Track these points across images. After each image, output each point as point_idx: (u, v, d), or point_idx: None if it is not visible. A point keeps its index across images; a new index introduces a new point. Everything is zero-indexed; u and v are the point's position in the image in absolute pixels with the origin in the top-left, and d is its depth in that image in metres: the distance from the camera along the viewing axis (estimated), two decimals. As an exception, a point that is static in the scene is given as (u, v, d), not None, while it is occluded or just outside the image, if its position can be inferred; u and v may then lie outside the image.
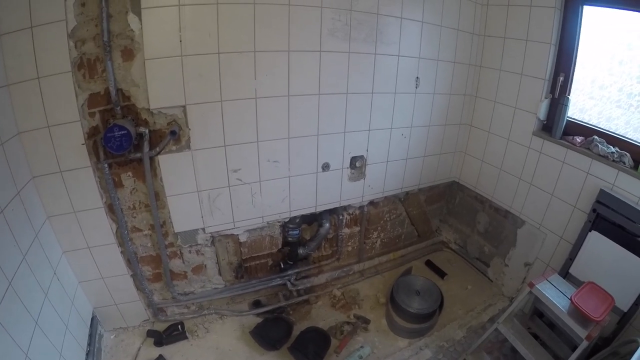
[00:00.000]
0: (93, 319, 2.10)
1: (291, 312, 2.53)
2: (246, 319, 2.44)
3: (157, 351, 2.14)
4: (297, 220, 2.47)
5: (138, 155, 1.83)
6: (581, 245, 2.09)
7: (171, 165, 1.94)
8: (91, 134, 1.74)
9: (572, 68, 2.16)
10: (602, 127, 2.14)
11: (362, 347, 2.29)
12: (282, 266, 2.57)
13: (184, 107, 1.84)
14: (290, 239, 2.50)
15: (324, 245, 2.76)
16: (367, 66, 2.21)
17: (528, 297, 1.91)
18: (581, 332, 1.64)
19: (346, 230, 2.77)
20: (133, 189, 1.95)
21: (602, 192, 1.98)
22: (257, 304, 2.56)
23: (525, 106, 2.37)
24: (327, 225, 2.59)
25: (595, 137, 2.08)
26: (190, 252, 2.25)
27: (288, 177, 2.25)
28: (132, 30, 1.63)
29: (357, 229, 2.82)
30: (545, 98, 2.25)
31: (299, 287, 2.65)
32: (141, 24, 1.63)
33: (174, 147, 1.91)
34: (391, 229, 2.99)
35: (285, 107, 2.06)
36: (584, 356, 1.76)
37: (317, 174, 2.34)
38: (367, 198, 2.64)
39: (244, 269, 2.50)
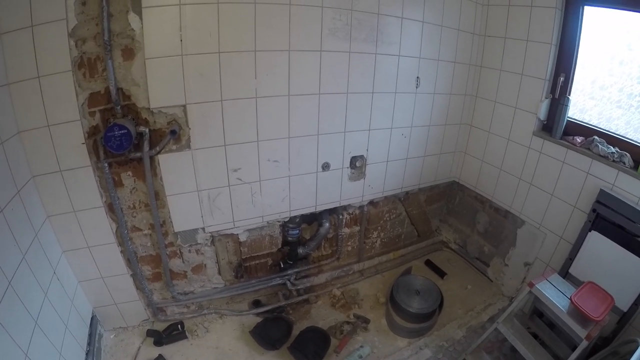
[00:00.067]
0: (93, 318, 2.10)
1: (291, 312, 2.53)
2: (246, 319, 2.44)
3: (156, 351, 2.14)
4: (297, 219, 2.47)
5: (138, 154, 1.83)
6: (581, 245, 2.09)
7: (171, 165, 1.94)
8: (91, 133, 1.74)
9: (572, 68, 2.16)
10: (602, 127, 2.14)
11: (361, 346, 2.29)
12: (282, 266, 2.57)
13: (184, 106, 1.84)
14: (290, 238, 2.50)
15: (323, 245, 2.76)
16: (368, 66, 2.20)
17: (528, 296, 1.91)
18: (581, 331, 1.64)
19: (346, 230, 2.77)
20: (133, 188, 1.95)
21: (602, 192, 1.98)
22: (256, 303, 2.56)
23: (526, 106, 2.37)
24: (327, 224, 2.59)
25: (596, 137, 2.09)
26: (190, 251, 2.25)
27: (288, 176, 2.25)
28: (132, 29, 1.63)
29: (357, 228, 2.82)
30: (546, 98, 2.25)
31: (298, 287, 2.65)
32: (142, 23, 1.62)
33: (174, 147, 1.91)
34: (391, 228, 2.99)
35: (286, 106, 2.06)
36: (584, 356, 1.77)
37: (317, 173, 2.34)
38: (367, 198, 2.64)
39: (244, 268, 2.50)
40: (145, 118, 1.81)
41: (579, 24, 2.08)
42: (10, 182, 1.48)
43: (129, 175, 1.91)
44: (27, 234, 1.56)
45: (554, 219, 2.32)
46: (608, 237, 1.96)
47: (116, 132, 1.63)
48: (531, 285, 1.86)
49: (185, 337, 2.26)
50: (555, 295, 1.80)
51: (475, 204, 2.97)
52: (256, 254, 2.48)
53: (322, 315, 2.53)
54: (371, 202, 2.73)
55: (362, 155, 2.45)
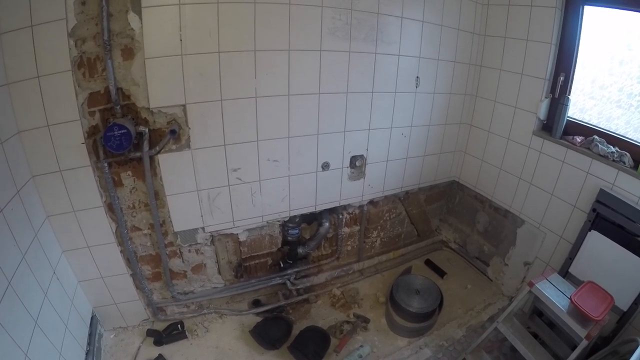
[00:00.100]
0: (93, 318, 2.10)
1: (291, 312, 2.53)
2: (246, 318, 2.44)
3: (156, 350, 2.14)
4: (297, 219, 2.47)
5: (138, 154, 1.82)
6: (581, 244, 2.10)
7: (171, 165, 1.94)
8: (91, 133, 1.74)
9: (572, 68, 2.16)
10: (602, 127, 2.14)
11: (361, 346, 2.29)
12: (282, 265, 2.57)
13: (184, 106, 1.84)
14: (289, 238, 2.49)
15: (323, 245, 2.76)
16: (368, 65, 2.20)
17: (528, 296, 1.91)
18: (581, 331, 1.64)
19: (346, 230, 2.77)
20: (133, 188, 1.95)
21: (602, 191, 1.98)
22: (256, 303, 2.57)
23: (526, 106, 2.37)
24: (327, 224, 2.59)
25: (596, 136, 2.09)
26: (189, 251, 2.25)
27: (288, 176, 2.25)
28: (132, 29, 1.62)
29: (356, 228, 2.82)
30: (546, 98, 2.25)
31: (298, 286, 2.65)
32: (141, 23, 1.62)
33: (173, 146, 1.91)
34: (391, 228, 2.99)
35: (286, 106, 2.06)
36: (584, 355, 1.77)
37: (317, 173, 2.34)
38: (366, 197, 2.64)
39: (244, 268, 2.50)
40: (145, 118, 1.81)
41: (579, 24, 2.07)
42: (10, 182, 1.48)
43: (128, 175, 1.91)
44: (26, 234, 1.56)
45: (553, 218, 2.32)
46: (608, 237, 1.96)
47: (116, 132, 1.63)
48: (531, 284, 1.86)
49: (185, 337, 2.26)
50: (555, 294, 1.80)
51: (475, 204, 2.97)
52: (256, 254, 2.48)
53: (322, 315, 2.53)
54: (371, 202, 2.73)
55: (362, 155, 2.45)
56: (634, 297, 1.84)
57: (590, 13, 2.04)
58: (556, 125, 2.22)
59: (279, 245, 2.53)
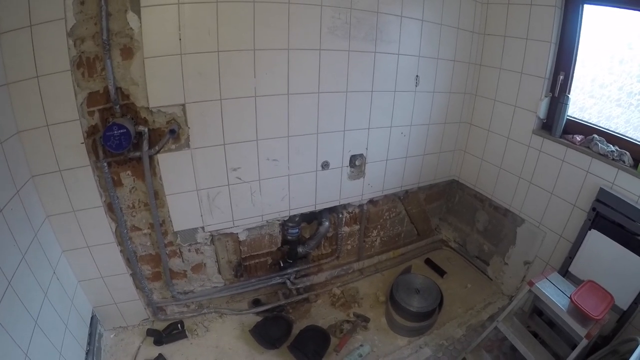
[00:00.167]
0: (93, 318, 2.10)
1: (291, 311, 2.53)
2: (246, 318, 2.45)
3: (156, 350, 2.14)
4: (297, 218, 2.47)
5: (137, 154, 1.82)
6: (581, 243, 2.09)
7: (170, 164, 1.94)
8: (90, 132, 1.73)
9: (572, 67, 2.16)
10: (602, 125, 2.13)
11: (361, 345, 2.29)
12: (282, 265, 2.57)
13: (183, 105, 1.84)
14: (289, 237, 2.50)
15: (323, 244, 2.76)
16: (367, 64, 2.20)
17: (528, 295, 1.91)
18: (581, 330, 1.64)
19: (346, 229, 2.77)
20: (132, 187, 1.95)
21: (601, 190, 1.98)
22: (256, 302, 2.57)
23: (525, 105, 2.37)
24: (327, 223, 2.59)
25: (595, 135, 2.08)
26: (189, 250, 2.25)
27: (287, 175, 2.25)
28: (131, 28, 1.62)
29: (356, 227, 2.82)
30: (545, 96, 2.25)
31: (298, 286, 2.65)
32: (140, 23, 1.62)
33: (173, 146, 1.91)
34: (391, 227, 2.99)
35: (285, 105, 2.06)
36: (584, 355, 1.77)
37: (316, 172, 2.34)
38: (366, 196, 2.64)
39: (244, 267, 2.50)
40: (144, 117, 1.81)
41: (579, 22, 2.07)
42: (9, 182, 1.48)
43: (128, 174, 1.91)
44: (26, 234, 1.56)
45: (553, 217, 2.32)
46: (608, 236, 1.96)
47: (115, 132, 1.63)
48: (531, 284, 1.86)
49: (185, 337, 2.26)
50: (555, 294, 1.80)
51: (474, 203, 2.97)
52: (256, 253, 2.48)
53: (322, 314, 2.54)
54: (371, 201, 2.73)
55: (362, 154, 2.45)
56: (634, 296, 1.84)
57: (590, 12, 2.04)
58: (556, 124, 2.22)
59: (279, 245, 2.53)
